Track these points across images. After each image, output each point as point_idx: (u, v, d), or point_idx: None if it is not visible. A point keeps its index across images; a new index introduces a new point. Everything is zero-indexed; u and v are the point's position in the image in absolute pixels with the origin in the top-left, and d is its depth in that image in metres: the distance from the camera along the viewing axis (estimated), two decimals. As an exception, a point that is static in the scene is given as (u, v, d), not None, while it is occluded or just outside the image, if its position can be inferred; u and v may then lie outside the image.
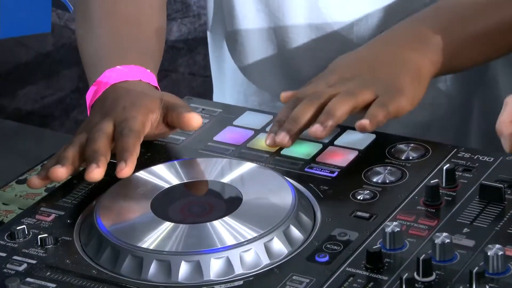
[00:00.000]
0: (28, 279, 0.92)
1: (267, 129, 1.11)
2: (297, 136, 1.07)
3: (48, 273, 0.93)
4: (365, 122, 1.05)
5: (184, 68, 2.19)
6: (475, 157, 1.05)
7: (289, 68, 1.38)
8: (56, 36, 2.29)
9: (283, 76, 1.38)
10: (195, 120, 1.07)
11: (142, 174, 1.03)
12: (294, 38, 1.35)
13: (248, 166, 1.04)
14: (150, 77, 1.16)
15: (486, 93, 1.38)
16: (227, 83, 1.44)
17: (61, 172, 1.02)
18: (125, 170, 1.01)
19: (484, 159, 1.05)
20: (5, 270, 0.93)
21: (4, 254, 0.95)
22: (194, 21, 2.16)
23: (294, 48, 1.36)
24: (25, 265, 0.94)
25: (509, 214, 0.96)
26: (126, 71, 1.14)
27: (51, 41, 2.32)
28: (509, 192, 0.99)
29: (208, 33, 1.46)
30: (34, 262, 0.94)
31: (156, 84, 1.16)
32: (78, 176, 1.06)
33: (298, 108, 1.08)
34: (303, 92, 1.11)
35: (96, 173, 1.00)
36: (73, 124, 2.35)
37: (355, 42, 1.33)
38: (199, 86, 2.10)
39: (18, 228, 0.98)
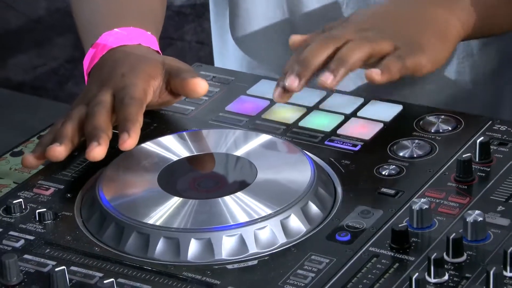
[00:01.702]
0: (26, 256, 0.94)
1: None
2: (308, 81, 1.06)
3: (47, 250, 0.95)
4: (375, 71, 1.05)
5: (191, 36, 2.20)
6: (511, 130, 1.07)
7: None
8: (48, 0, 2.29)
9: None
10: (200, 85, 1.07)
11: (148, 145, 1.05)
12: (305, 3, 1.35)
13: (263, 138, 1.05)
14: (150, 40, 1.17)
15: None
16: (229, 57, 1.45)
17: (60, 152, 1.02)
18: (128, 141, 1.01)
19: (521, 132, 1.06)
20: (1, 246, 0.95)
21: (0, 229, 0.97)
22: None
23: (305, 14, 1.36)
24: (22, 241, 0.96)
25: (547, 191, 0.98)
26: (125, 34, 1.15)
27: (44, 5, 2.31)
28: (547, 168, 1.01)
29: (210, 1, 1.47)
30: (32, 238, 0.96)
31: (157, 48, 1.17)
32: (78, 148, 1.06)
33: (309, 49, 1.07)
34: (315, 36, 1.10)
35: (98, 151, 1.00)
36: (67, 96, 2.35)
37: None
38: (208, 56, 2.11)
39: (14, 202, 0.99)
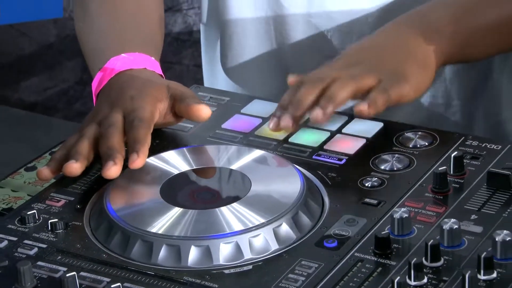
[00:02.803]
0: (39, 263, 0.93)
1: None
2: (301, 120, 1.06)
3: (59, 257, 0.94)
4: (363, 106, 1.04)
5: (188, 60, 2.20)
6: (482, 145, 1.06)
7: (286, 64, 1.37)
8: (59, 27, 2.29)
9: (279, 74, 1.35)
10: (204, 111, 1.07)
11: (152, 160, 1.04)
12: (292, 32, 1.34)
13: (256, 153, 1.05)
14: (154, 64, 1.16)
15: (488, 95, 1.38)
16: (219, 85, 1.43)
17: (76, 168, 1.02)
18: (137, 161, 1.01)
19: (492, 147, 1.06)
20: (16, 254, 0.94)
21: (15, 239, 0.96)
22: (199, 13, 2.17)
23: (292, 45, 1.35)
24: (36, 249, 0.95)
25: (516, 200, 0.97)
26: (131, 59, 1.15)
27: (54, 32, 2.32)
28: (515, 178, 1.00)
29: (202, 27, 1.45)
30: (44, 246, 0.95)
31: (160, 72, 1.16)
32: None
33: (300, 92, 1.07)
34: (308, 76, 1.10)
35: (114, 170, 1.01)
36: (76, 115, 2.35)
37: (355, 40, 1.31)
38: (203, 79, 2.10)
39: (28, 213, 0.99)
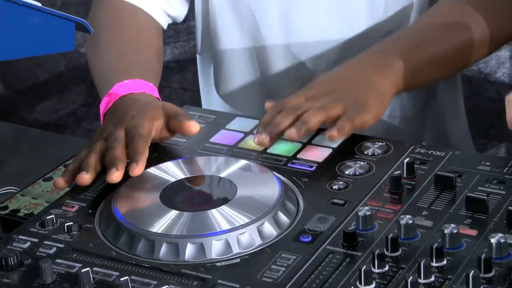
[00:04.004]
0: (58, 260, 0.91)
1: (254, 131, 1.10)
2: (277, 138, 1.07)
3: (74, 255, 0.92)
4: (333, 133, 1.05)
5: (176, 84, 2.19)
6: (429, 152, 1.05)
7: (268, 86, 1.36)
8: (67, 59, 2.28)
9: (263, 95, 1.35)
10: (194, 127, 1.06)
11: (151, 170, 1.02)
12: (272, 59, 1.34)
13: (240, 163, 1.03)
14: (152, 89, 1.15)
15: (435, 111, 1.39)
16: (214, 104, 1.42)
17: (87, 178, 1.02)
18: (137, 169, 1.00)
19: (437, 153, 1.05)
20: (37, 253, 0.93)
21: (36, 240, 0.94)
22: (185, 45, 2.15)
23: (273, 68, 1.34)
24: (54, 249, 0.93)
25: (459, 199, 0.96)
26: (132, 85, 1.13)
27: (63, 63, 2.30)
28: (459, 180, 0.99)
29: (198, 57, 1.45)
30: (62, 246, 0.93)
31: (157, 95, 1.15)
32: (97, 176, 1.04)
33: (279, 116, 1.08)
34: (285, 102, 1.10)
35: (116, 175, 1.00)
36: (83, 132, 2.33)
37: (325, 67, 1.32)
38: (189, 99, 2.09)
39: (47, 217, 0.97)
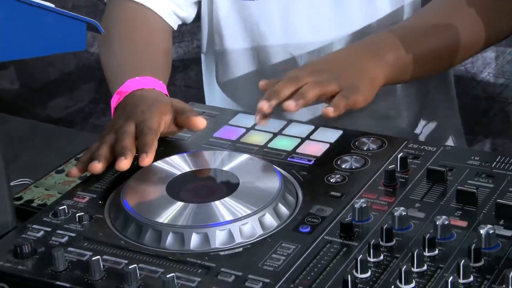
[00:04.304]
0: (70, 249, 0.90)
1: (256, 127, 1.10)
2: (275, 105, 1.04)
3: (85, 244, 0.91)
4: (329, 109, 1.04)
5: (180, 81, 2.18)
6: (421, 147, 1.04)
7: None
8: (77, 58, 2.28)
9: (263, 92, 1.35)
10: (200, 122, 1.05)
11: (158, 163, 1.02)
12: (272, 58, 1.33)
13: (243, 157, 1.02)
14: (161, 86, 1.14)
15: (427, 109, 1.38)
16: (217, 101, 1.42)
17: (98, 167, 1.01)
18: (146, 160, 1.00)
19: (429, 149, 1.04)
20: (50, 241, 0.92)
21: (49, 229, 0.94)
22: (188, 45, 2.14)
23: (272, 65, 1.34)
24: (66, 238, 0.92)
25: (450, 191, 0.96)
26: (143, 81, 1.13)
27: (73, 62, 2.30)
28: (449, 174, 0.98)
29: (202, 56, 1.44)
30: (73, 235, 0.93)
31: (166, 92, 1.15)
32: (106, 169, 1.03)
33: (279, 85, 1.06)
34: (285, 75, 1.08)
35: (124, 163, 0.99)
36: (91, 127, 2.33)
37: None
38: (193, 96, 2.08)
39: (60, 208, 0.96)
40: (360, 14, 1.28)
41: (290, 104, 1.03)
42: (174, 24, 1.30)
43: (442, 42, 1.18)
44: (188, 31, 1.94)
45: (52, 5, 0.85)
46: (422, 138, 1.37)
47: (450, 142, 1.42)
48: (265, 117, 1.05)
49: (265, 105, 1.04)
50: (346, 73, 1.09)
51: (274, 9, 1.29)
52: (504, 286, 0.82)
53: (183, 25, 1.37)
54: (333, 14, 1.29)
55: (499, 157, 1.01)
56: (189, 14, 1.32)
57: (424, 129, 1.38)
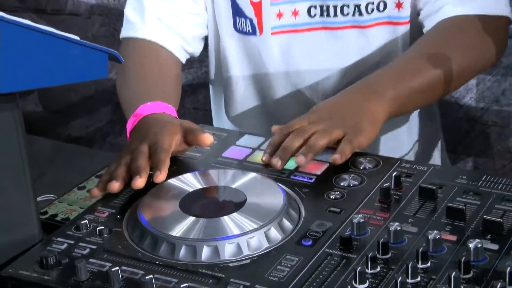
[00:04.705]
0: (91, 260, 0.89)
1: (262, 147, 1.09)
2: (287, 161, 1.04)
3: (105, 256, 0.90)
4: (337, 156, 1.03)
5: (189, 104, 2.17)
6: (413, 167, 1.03)
7: (269, 111, 1.35)
8: (96, 83, 2.27)
9: (265, 118, 1.35)
10: (208, 138, 1.05)
11: (172, 181, 1.00)
12: (274, 86, 1.32)
13: (249, 175, 1.01)
14: (171, 110, 1.14)
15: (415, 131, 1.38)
16: (224, 125, 1.41)
17: (117, 186, 1.00)
18: (160, 176, 0.99)
19: (420, 168, 1.03)
20: (73, 253, 0.91)
21: (72, 242, 0.93)
22: (197, 71, 2.13)
23: (274, 95, 1.33)
24: (88, 250, 0.91)
25: (441, 208, 0.94)
26: (154, 106, 1.12)
27: (93, 87, 2.29)
28: (439, 192, 0.97)
29: (210, 86, 1.44)
30: (94, 247, 0.91)
31: (176, 115, 1.14)
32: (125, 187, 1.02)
33: (288, 140, 1.05)
34: (291, 125, 1.08)
35: (140, 182, 0.98)
36: (109, 146, 2.32)
37: (321, 93, 1.30)
38: (201, 118, 2.07)
39: (82, 222, 0.95)
40: (355, 46, 1.27)
41: (301, 160, 1.02)
42: (183, 58, 1.31)
43: (437, 73, 1.16)
44: (197, 59, 1.93)
45: (77, 38, 0.85)
46: (411, 155, 1.36)
47: (436, 158, 1.41)
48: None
49: (277, 163, 1.03)
50: (349, 116, 1.08)
51: (275, 43, 1.29)
52: (492, 297, 0.80)
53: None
54: (330, 46, 1.28)
55: (485, 176, 1.00)
56: (196, 49, 1.32)
57: (413, 147, 1.38)
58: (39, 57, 0.83)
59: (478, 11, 1.19)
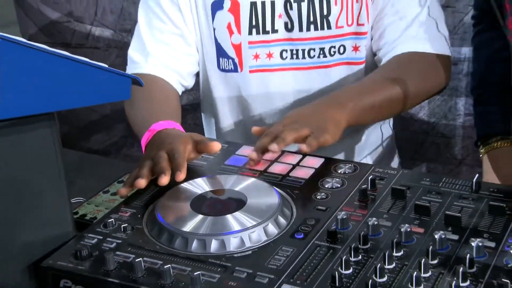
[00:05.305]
0: (117, 253, 0.88)
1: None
2: (263, 153, 1.04)
3: (129, 249, 0.89)
4: (304, 146, 1.03)
5: (190, 120, 2.15)
6: (385, 171, 1.02)
7: (248, 128, 1.32)
8: (112, 105, 2.24)
9: (245, 134, 1.35)
10: (216, 146, 1.04)
11: (184, 185, 0.99)
12: (253, 107, 1.33)
13: (249, 180, 1.00)
14: (179, 126, 1.14)
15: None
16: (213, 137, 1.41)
17: (143, 183, 0.99)
18: (181, 175, 0.98)
19: (391, 172, 1.02)
20: (102, 247, 0.89)
21: (101, 237, 0.91)
22: (196, 93, 2.12)
23: (253, 114, 1.33)
24: (114, 244, 0.90)
25: (410, 205, 0.94)
26: (165, 124, 1.12)
27: (109, 107, 2.27)
28: (408, 192, 0.96)
29: (201, 102, 1.44)
30: (120, 242, 0.90)
31: (183, 130, 1.14)
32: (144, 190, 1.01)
33: (264, 138, 1.06)
34: (269, 129, 1.08)
35: (165, 179, 0.97)
36: (122, 156, 2.30)
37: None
38: (200, 133, 2.06)
39: (108, 220, 0.93)
40: (319, 83, 1.29)
41: (274, 147, 1.02)
42: (180, 90, 1.32)
43: (393, 92, 1.17)
44: (196, 83, 1.93)
45: (106, 65, 0.83)
46: (369, 160, 1.37)
47: (395, 162, 1.41)
48: (255, 163, 1.05)
49: (253, 155, 1.04)
50: (315, 120, 1.09)
51: (253, 79, 1.30)
52: (455, 278, 0.80)
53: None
54: (298, 83, 1.29)
55: (444, 178, 1.00)
56: (190, 83, 1.34)
57: (371, 154, 1.38)
58: (75, 83, 0.82)
59: (426, 50, 1.22)
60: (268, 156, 1.06)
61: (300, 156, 1.07)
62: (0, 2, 2.18)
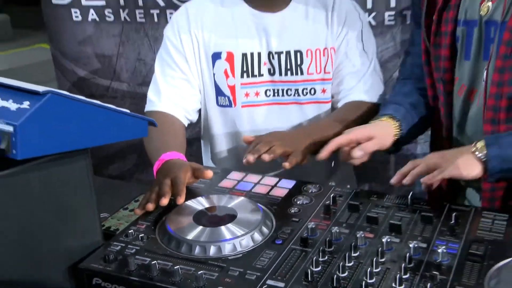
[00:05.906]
0: (137, 256, 0.87)
1: (244, 179, 1.08)
2: (257, 158, 1.08)
3: (146, 253, 0.88)
4: (286, 164, 1.08)
5: (194, 151, 2.16)
6: (343, 190, 1.03)
7: (240, 155, 1.30)
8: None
9: (239, 160, 1.31)
10: (210, 173, 1.05)
11: (187, 203, 0.99)
12: (241, 137, 1.31)
13: (238, 198, 1.00)
14: (182, 156, 1.14)
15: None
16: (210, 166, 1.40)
17: (151, 207, 0.99)
18: (180, 200, 0.99)
19: (348, 190, 1.03)
20: (125, 252, 0.89)
21: (124, 245, 0.91)
22: (192, 130, 2.12)
23: (243, 144, 1.31)
24: (134, 250, 0.89)
25: (362, 216, 0.95)
26: (172, 155, 1.12)
27: (124, 141, 2.26)
28: (361, 206, 0.97)
29: (201, 141, 1.44)
30: (138, 248, 0.89)
31: (185, 159, 1.14)
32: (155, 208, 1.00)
33: (259, 145, 1.10)
34: (260, 137, 1.12)
35: (164, 201, 0.99)
36: (136, 181, 2.28)
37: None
38: (199, 161, 2.06)
39: (129, 231, 0.93)
40: (295, 117, 1.31)
41: (264, 157, 1.07)
42: (186, 123, 1.32)
43: (341, 130, 1.19)
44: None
45: (128, 110, 0.84)
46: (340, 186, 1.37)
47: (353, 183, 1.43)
48: (250, 164, 1.08)
49: (250, 157, 1.08)
50: (293, 142, 1.13)
51: (244, 112, 1.31)
52: (399, 272, 0.81)
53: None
54: (279, 115, 1.31)
55: (387, 195, 1.01)
56: (194, 118, 1.34)
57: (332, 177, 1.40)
58: (106, 124, 0.82)
59: (370, 99, 1.27)
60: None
61: (277, 179, 1.08)
62: (43, 64, 2.18)
